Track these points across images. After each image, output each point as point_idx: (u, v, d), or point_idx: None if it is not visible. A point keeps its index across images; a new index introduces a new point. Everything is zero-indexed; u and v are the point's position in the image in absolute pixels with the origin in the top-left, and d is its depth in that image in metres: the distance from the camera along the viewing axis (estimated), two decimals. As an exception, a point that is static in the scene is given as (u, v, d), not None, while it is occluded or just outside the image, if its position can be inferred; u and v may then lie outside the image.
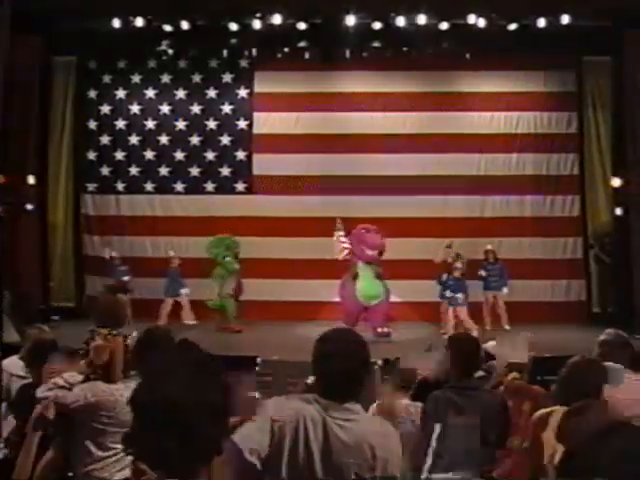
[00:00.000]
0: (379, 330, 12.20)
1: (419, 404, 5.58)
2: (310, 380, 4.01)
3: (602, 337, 5.11)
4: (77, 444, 4.07)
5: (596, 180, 14.35)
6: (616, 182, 13.68)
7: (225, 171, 14.86)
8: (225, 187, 14.87)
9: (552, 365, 8.66)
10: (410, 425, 5.39)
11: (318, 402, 2.96)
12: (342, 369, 2.96)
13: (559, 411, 3.82)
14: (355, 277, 12.40)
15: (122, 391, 3.94)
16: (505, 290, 13.20)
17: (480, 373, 5.16)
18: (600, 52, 13.85)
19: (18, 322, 8.72)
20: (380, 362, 9.82)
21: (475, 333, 11.99)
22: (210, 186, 14.89)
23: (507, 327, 12.85)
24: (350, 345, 3.05)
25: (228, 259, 13.03)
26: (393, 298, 12.68)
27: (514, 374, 5.35)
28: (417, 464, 4.29)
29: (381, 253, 12.42)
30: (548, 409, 3.96)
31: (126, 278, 13.53)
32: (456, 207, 14.46)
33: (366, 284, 12.31)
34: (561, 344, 10.87)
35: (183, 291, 13.50)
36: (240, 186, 14.88)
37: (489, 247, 13.36)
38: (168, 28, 13.11)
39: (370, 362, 3.13)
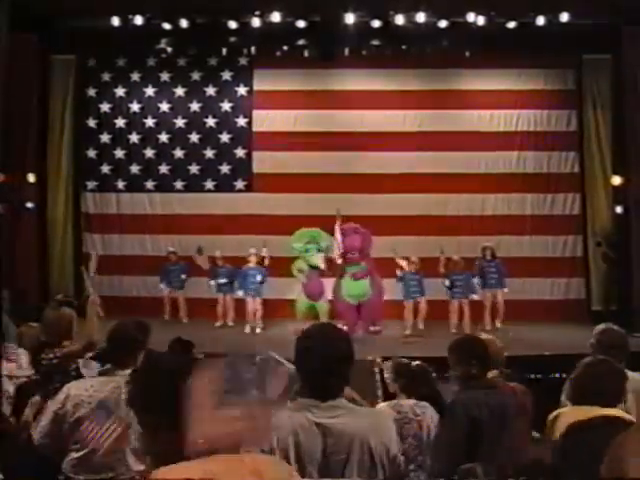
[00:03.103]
0: (370, 329, 12.33)
1: (426, 404, 5.55)
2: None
3: (600, 328, 5.15)
4: None
5: (596, 178, 14.33)
6: (616, 180, 13.67)
7: (224, 169, 14.87)
8: (224, 185, 14.88)
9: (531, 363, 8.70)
10: (416, 427, 5.35)
11: (305, 406, 2.93)
12: (323, 365, 2.92)
13: (566, 414, 3.82)
14: (341, 276, 12.48)
15: None
16: (504, 289, 13.15)
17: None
18: (600, 50, 13.84)
19: (16, 321, 8.77)
20: (379, 359, 9.84)
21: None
22: (210, 184, 14.89)
23: (498, 325, 12.82)
24: (330, 341, 3.01)
25: (309, 253, 12.51)
26: (391, 296, 12.71)
27: (495, 372, 5.34)
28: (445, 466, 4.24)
29: (362, 252, 12.41)
30: (562, 410, 3.96)
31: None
32: (456, 205, 14.47)
33: (350, 284, 12.36)
34: (561, 342, 10.90)
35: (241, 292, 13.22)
36: (239, 184, 14.89)
37: (487, 244, 13.30)
38: (167, 26, 13.07)
39: (352, 358, 3.05)
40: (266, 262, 13.01)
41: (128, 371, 4.09)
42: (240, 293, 13.20)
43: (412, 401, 5.47)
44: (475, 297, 12.84)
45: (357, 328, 12.25)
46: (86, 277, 7.18)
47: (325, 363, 2.92)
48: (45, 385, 5.18)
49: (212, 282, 13.35)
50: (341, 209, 12.49)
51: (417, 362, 6.08)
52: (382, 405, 5.46)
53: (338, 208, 12.41)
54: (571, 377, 4.08)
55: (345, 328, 12.29)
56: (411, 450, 5.13)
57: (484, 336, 5.55)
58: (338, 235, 12.25)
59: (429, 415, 5.38)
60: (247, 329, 12.89)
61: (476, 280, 12.90)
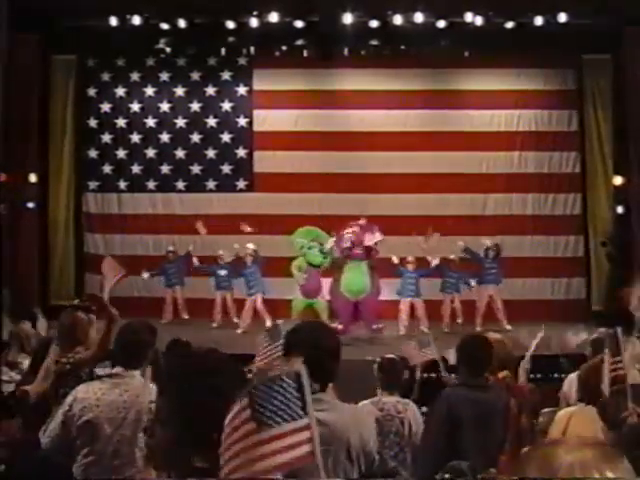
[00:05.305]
0: (373, 327, 12.30)
1: (408, 401, 5.57)
2: None
3: (594, 335, 5.15)
4: None
5: (597, 178, 14.27)
6: (618, 180, 13.66)
7: (226, 169, 14.88)
8: (226, 185, 14.88)
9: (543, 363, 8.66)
10: (398, 423, 5.38)
11: None
12: (309, 359, 2.86)
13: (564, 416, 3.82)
14: (341, 272, 12.51)
15: None
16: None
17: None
18: (600, 50, 13.80)
19: (15, 320, 8.81)
20: (379, 360, 9.83)
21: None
22: (211, 184, 14.90)
23: (508, 327, 12.70)
24: (318, 336, 3.08)
25: (311, 250, 12.64)
26: (387, 296, 12.72)
27: (505, 372, 5.35)
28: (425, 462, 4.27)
29: (368, 249, 12.43)
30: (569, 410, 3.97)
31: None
32: (457, 205, 14.45)
33: (350, 279, 12.37)
34: (562, 342, 10.87)
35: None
36: (241, 184, 14.89)
37: (489, 244, 13.31)
38: (166, 26, 13.13)
39: (339, 354, 3.12)
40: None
41: (137, 372, 4.09)
42: (244, 293, 13.17)
43: (395, 398, 5.52)
44: (472, 283, 12.98)
45: (353, 327, 12.27)
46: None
47: (312, 357, 2.91)
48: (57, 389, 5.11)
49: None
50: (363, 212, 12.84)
51: (390, 355, 6.14)
52: (365, 402, 5.48)
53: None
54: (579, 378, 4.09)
55: (340, 327, 12.43)
56: (393, 447, 5.19)
57: (493, 336, 5.56)
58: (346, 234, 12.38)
59: (411, 412, 5.42)
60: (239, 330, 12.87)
61: (473, 281, 13.04)
